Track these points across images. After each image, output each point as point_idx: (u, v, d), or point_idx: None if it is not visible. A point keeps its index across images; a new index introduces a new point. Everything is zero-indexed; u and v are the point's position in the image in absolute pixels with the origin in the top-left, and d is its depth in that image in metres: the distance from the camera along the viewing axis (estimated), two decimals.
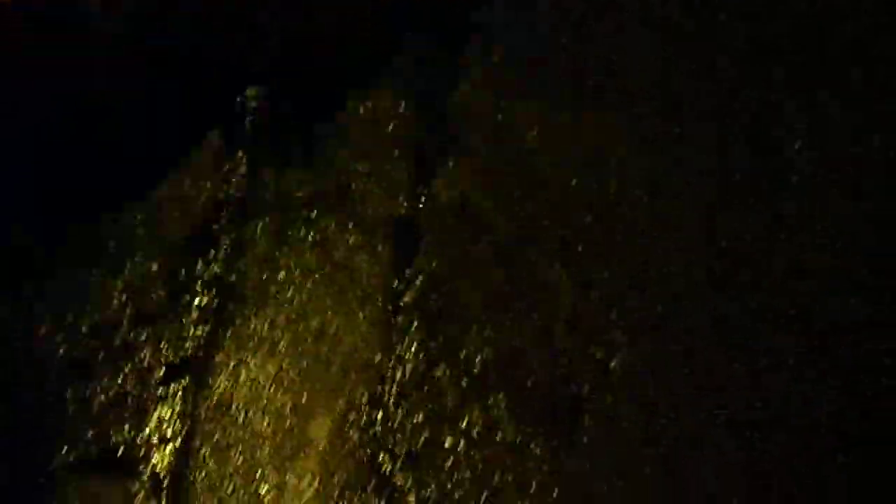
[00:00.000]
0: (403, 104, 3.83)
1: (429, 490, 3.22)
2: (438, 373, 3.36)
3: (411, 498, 3.23)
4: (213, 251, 3.69)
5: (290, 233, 3.68)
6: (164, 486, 3.36)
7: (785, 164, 3.13)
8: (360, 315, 3.48)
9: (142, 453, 3.42)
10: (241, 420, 3.41)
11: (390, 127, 3.80)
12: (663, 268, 3.41)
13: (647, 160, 3.55)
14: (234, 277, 3.61)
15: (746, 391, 3.20)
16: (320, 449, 3.32)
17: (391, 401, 3.36)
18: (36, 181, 3.85)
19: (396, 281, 3.53)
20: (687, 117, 3.45)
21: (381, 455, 3.30)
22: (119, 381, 3.52)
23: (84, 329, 3.59)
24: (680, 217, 3.43)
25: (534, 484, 3.16)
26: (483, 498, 3.17)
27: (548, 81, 3.64)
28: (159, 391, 3.51)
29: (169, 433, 3.43)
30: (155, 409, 3.48)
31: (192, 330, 3.57)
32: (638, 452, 3.17)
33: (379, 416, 3.35)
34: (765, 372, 2.98)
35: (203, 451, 3.39)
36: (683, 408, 3.24)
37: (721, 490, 3.10)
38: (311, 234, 3.64)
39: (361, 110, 3.82)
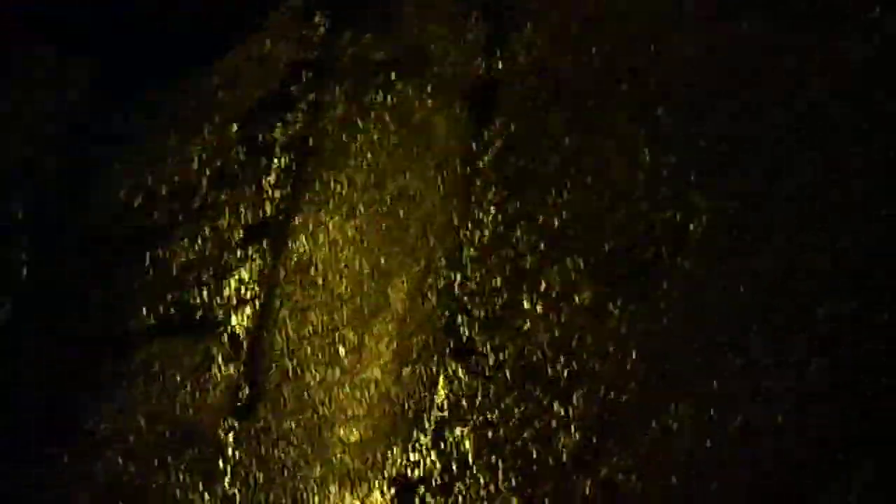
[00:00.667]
0: None
1: (506, 353, 3.28)
2: (516, 236, 3.39)
3: (489, 361, 3.29)
4: (291, 113, 3.72)
5: (367, 96, 3.70)
6: (244, 347, 3.42)
7: None
8: (438, 178, 3.51)
9: (221, 315, 3.48)
10: (319, 282, 3.47)
11: None
12: (747, 129, 3.42)
13: (731, 20, 3.54)
14: (312, 140, 3.64)
15: (818, 233, 3.23)
16: (398, 311, 3.38)
17: (469, 264, 3.40)
18: (114, 42, 3.89)
19: (474, 144, 3.55)
20: None
21: (459, 318, 3.35)
22: (198, 244, 3.57)
23: (163, 192, 3.64)
24: (764, 74, 3.44)
25: (611, 346, 3.20)
26: (561, 361, 3.21)
27: None
28: (238, 253, 3.56)
29: (248, 295, 3.49)
30: (234, 272, 3.53)
31: (271, 192, 3.61)
32: (715, 316, 3.21)
33: (457, 279, 3.39)
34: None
35: (282, 312, 3.45)
36: (762, 270, 3.27)
37: (792, 350, 3.14)
38: (389, 96, 3.66)
39: None
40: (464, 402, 3.26)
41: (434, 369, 3.32)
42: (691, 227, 3.33)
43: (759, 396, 3.12)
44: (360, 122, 3.64)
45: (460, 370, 3.30)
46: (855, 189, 3.26)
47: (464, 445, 3.22)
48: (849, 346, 3.16)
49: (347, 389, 3.32)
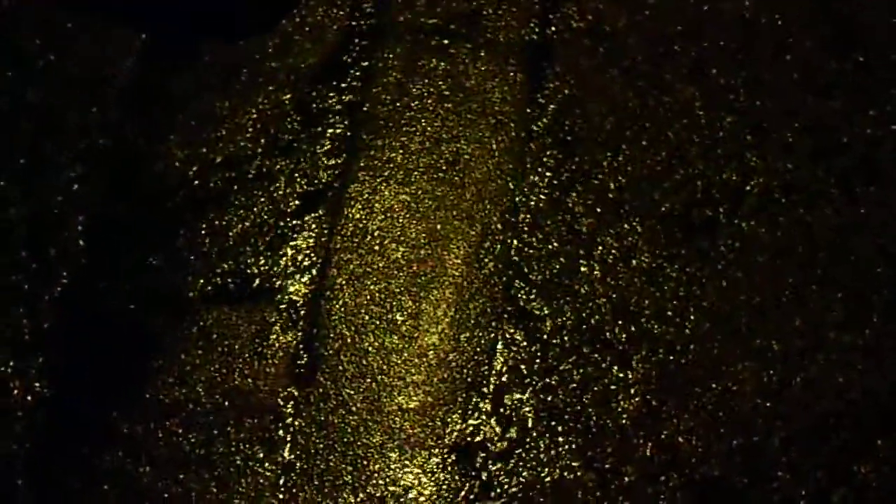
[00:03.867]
0: None
1: (564, 317, 3.42)
2: (572, 199, 3.53)
3: (547, 325, 3.42)
4: (345, 80, 3.85)
5: (421, 61, 3.81)
6: (301, 315, 3.55)
7: None
8: (493, 142, 3.64)
9: (278, 283, 3.60)
10: (376, 249, 3.60)
11: None
12: (801, 88, 3.58)
13: None
14: (366, 106, 3.76)
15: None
16: (456, 277, 3.51)
17: (525, 228, 3.53)
18: (168, 13, 4.03)
19: (529, 108, 3.67)
20: None
21: (517, 283, 3.48)
22: (254, 212, 3.69)
23: (219, 160, 3.76)
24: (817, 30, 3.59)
25: (670, 309, 3.37)
26: (620, 324, 3.38)
27: None
28: (294, 221, 3.67)
29: (305, 263, 3.61)
30: (290, 240, 3.65)
31: (326, 159, 3.72)
32: (775, 275, 3.37)
33: (514, 244, 3.52)
34: None
35: (339, 280, 3.58)
36: (820, 228, 3.43)
37: (855, 308, 3.30)
38: (443, 62, 3.78)
39: None
40: (522, 368, 3.39)
41: (492, 335, 3.44)
42: (748, 187, 3.49)
43: (822, 354, 3.28)
44: (413, 89, 3.77)
45: (518, 335, 3.43)
46: None
47: (523, 411, 3.35)
48: None
49: (406, 356, 3.45)
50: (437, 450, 3.37)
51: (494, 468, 3.33)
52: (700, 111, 3.51)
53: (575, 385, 3.36)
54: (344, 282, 3.53)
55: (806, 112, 3.47)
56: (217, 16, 3.89)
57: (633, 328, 3.38)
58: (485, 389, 3.40)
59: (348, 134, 3.72)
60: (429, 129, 3.70)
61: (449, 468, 3.34)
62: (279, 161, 3.67)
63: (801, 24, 3.58)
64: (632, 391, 3.32)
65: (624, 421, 3.30)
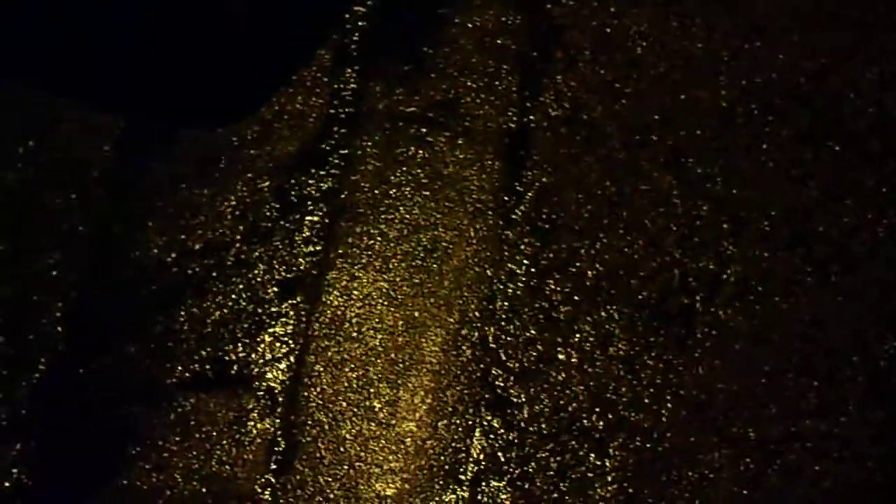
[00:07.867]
0: (512, 16, 4.15)
1: (542, 405, 3.49)
2: (550, 287, 3.63)
3: (524, 412, 3.48)
4: (324, 167, 3.96)
5: (400, 148, 3.92)
6: (279, 402, 3.62)
7: None
8: (471, 230, 3.73)
9: (256, 370, 3.67)
10: (354, 336, 3.67)
11: (500, 40, 4.06)
12: (777, 177, 3.73)
13: (760, 66, 3.86)
14: (345, 194, 3.85)
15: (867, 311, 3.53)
16: (433, 364, 3.59)
17: (503, 316, 3.61)
18: (147, 101, 4.17)
19: (506, 195, 3.78)
20: None
21: (494, 370, 3.56)
22: (232, 299, 3.76)
23: (197, 247, 3.85)
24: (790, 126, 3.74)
25: (647, 396, 3.50)
26: (597, 411, 3.50)
27: None
28: (272, 308, 3.75)
29: (283, 350, 3.68)
30: (268, 327, 3.71)
31: (304, 247, 3.80)
32: (751, 363, 3.50)
33: (491, 331, 3.60)
34: None
35: (317, 367, 3.65)
36: (796, 316, 3.57)
37: (831, 396, 3.44)
38: (421, 149, 3.89)
39: (470, 24, 4.09)
40: (500, 455, 3.45)
41: (469, 422, 3.50)
42: (725, 275, 3.63)
43: (798, 442, 3.40)
44: (391, 176, 3.87)
45: (496, 422, 3.49)
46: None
47: (501, 498, 3.40)
48: (891, 393, 3.47)
49: (383, 443, 3.51)
50: None
51: None
52: (677, 199, 3.62)
53: (552, 473, 3.42)
54: (322, 369, 3.61)
55: (782, 201, 3.59)
56: (197, 103, 4.00)
57: (609, 416, 3.45)
58: (462, 477, 3.46)
59: (326, 221, 3.82)
60: (407, 216, 3.79)
61: None
62: (257, 248, 3.78)
63: (776, 113, 3.70)
64: (608, 479, 3.38)
65: None
